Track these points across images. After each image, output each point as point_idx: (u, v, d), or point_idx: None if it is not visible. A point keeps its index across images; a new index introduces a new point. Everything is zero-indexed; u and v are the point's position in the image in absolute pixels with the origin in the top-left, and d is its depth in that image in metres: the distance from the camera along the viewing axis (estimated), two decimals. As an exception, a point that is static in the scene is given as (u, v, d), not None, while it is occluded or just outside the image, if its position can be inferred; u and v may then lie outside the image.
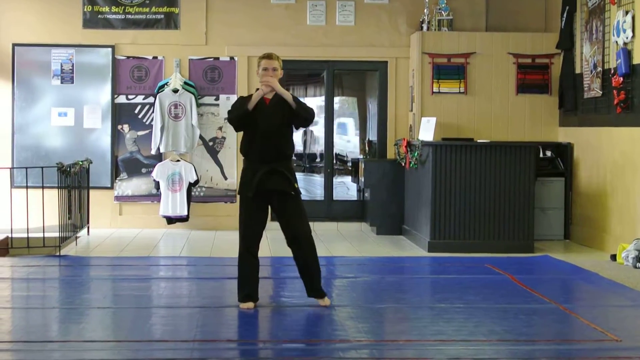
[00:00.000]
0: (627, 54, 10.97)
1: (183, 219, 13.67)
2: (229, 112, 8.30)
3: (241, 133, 8.29)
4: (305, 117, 8.11)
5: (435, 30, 13.63)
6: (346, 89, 15.46)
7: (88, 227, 13.13)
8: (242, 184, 8.14)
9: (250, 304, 8.03)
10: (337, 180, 14.68)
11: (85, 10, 13.85)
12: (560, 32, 13.20)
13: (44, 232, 11.18)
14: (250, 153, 8.12)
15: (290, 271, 8.76)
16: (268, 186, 8.04)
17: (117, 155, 13.90)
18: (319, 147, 14.86)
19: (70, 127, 13.83)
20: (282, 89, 8.09)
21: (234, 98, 13.72)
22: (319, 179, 14.77)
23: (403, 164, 12.89)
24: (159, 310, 8.11)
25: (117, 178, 13.91)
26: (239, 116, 8.11)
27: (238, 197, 8.26)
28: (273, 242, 11.27)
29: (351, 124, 15.59)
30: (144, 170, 13.90)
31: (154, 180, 13.67)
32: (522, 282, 9.38)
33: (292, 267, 8.35)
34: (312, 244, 8.19)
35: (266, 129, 8.05)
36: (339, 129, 15.06)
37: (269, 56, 8.18)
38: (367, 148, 14.87)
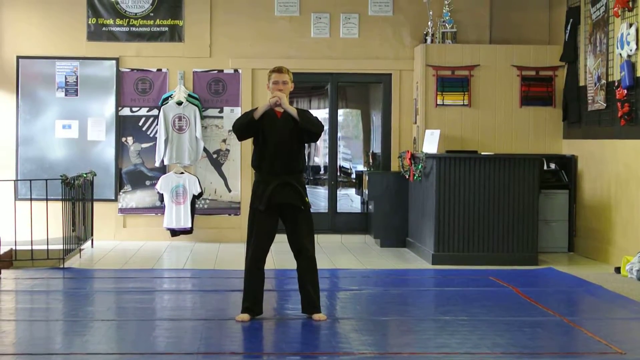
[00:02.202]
0: (631, 66, 10.97)
1: (187, 231, 13.66)
2: (235, 121, 8.33)
3: (246, 147, 8.34)
4: (312, 131, 8.12)
5: (439, 42, 13.65)
6: (350, 102, 15.47)
7: (92, 240, 13.12)
8: (253, 196, 8.16)
9: (246, 317, 8.02)
10: (340, 192, 14.68)
11: (89, 22, 13.88)
12: (564, 44, 13.21)
13: (47, 244, 11.17)
14: (262, 166, 8.14)
15: (294, 283, 8.73)
16: (279, 199, 8.06)
17: (121, 167, 13.91)
18: (322, 160, 14.86)
19: (74, 139, 13.85)
20: (288, 105, 8.12)
21: (238, 110, 13.75)
22: (322, 191, 14.76)
23: (407, 177, 12.89)
24: (163, 322, 8.10)
25: (121, 190, 13.92)
26: (243, 124, 8.15)
27: (249, 209, 8.25)
28: (277, 255, 11.26)
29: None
30: (147, 182, 13.92)
31: (158, 192, 13.67)
32: (526, 295, 9.37)
33: (296, 279, 8.36)
34: (313, 261, 8.21)
35: (277, 142, 8.09)
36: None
37: (279, 70, 8.23)
38: (371, 160, 14.87)
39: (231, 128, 8.55)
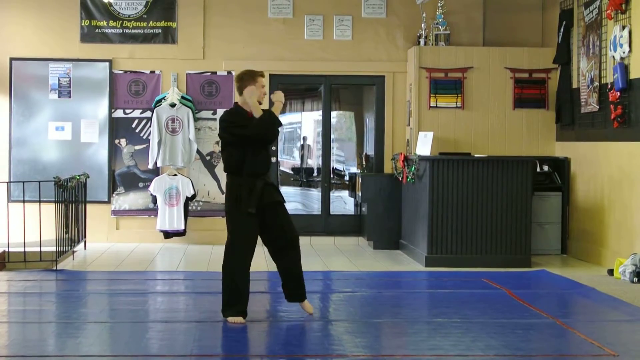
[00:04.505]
0: (624, 68, 10.98)
1: (180, 234, 13.65)
2: (230, 125, 8.25)
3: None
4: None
5: (432, 44, 13.66)
6: (343, 104, 15.46)
7: (85, 242, 13.11)
8: (236, 200, 8.14)
9: (242, 319, 8.04)
10: (334, 194, 14.68)
11: (82, 24, 13.87)
12: (557, 46, 13.23)
13: (40, 246, 11.16)
14: (244, 168, 8.14)
15: (287, 286, 8.77)
16: (266, 199, 8.10)
17: (115, 169, 13.90)
18: (315, 161, 14.86)
19: (68, 141, 13.83)
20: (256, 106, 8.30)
21: (231, 112, 13.73)
22: (316, 194, 14.76)
23: (400, 179, 12.90)
24: (156, 324, 8.10)
25: (114, 192, 13.90)
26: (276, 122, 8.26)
27: (228, 214, 8.26)
28: (270, 257, 11.24)
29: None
30: (141, 184, 13.90)
31: (151, 194, 13.66)
32: (520, 297, 9.38)
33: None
34: (299, 249, 8.44)
35: (256, 143, 8.14)
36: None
37: (262, 74, 8.42)
38: (364, 162, 14.87)
39: (255, 134, 8.30)
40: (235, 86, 8.48)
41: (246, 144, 8.12)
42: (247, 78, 8.30)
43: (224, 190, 13.78)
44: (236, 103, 8.42)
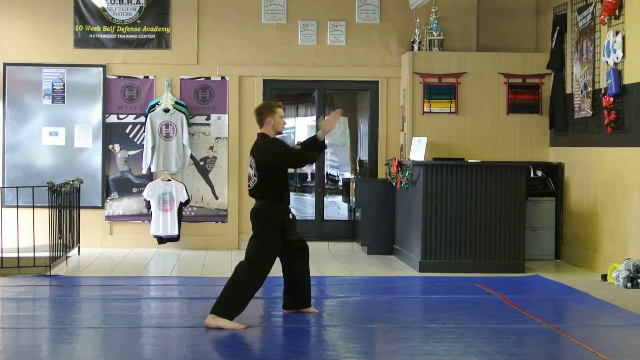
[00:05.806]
0: (618, 74, 11.00)
1: (174, 239, 13.64)
2: (294, 154, 8.53)
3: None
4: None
5: (426, 50, 13.67)
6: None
7: (79, 247, 13.09)
8: (283, 227, 8.39)
9: (243, 325, 8.07)
10: (328, 199, 14.67)
11: (76, 29, 13.86)
12: (551, 52, 13.24)
13: (34, 251, 11.14)
14: (286, 195, 8.48)
15: (281, 291, 8.77)
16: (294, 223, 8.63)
17: (108, 174, 13.88)
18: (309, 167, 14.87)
19: (61, 146, 13.82)
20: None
21: (225, 118, 13.75)
22: (309, 199, 14.75)
23: (394, 184, 12.90)
24: (150, 330, 8.09)
25: (108, 198, 13.89)
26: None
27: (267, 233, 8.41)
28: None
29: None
30: (134, 189, 13.89)
31: (145, 199, 13.65)
32: (513, 302, 9.38)
33: (282, 286, 8.43)
34: None
35: (287, 171, 8.60)
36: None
37: (280, 105, 8.62)
38: (358, 168, 14.87)
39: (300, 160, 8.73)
40: (255, 119, 8.60)
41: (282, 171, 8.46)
42: (266, 110, 8.52)
43: (218, 196, 13.85)
44: (260, 133, 8.54)
